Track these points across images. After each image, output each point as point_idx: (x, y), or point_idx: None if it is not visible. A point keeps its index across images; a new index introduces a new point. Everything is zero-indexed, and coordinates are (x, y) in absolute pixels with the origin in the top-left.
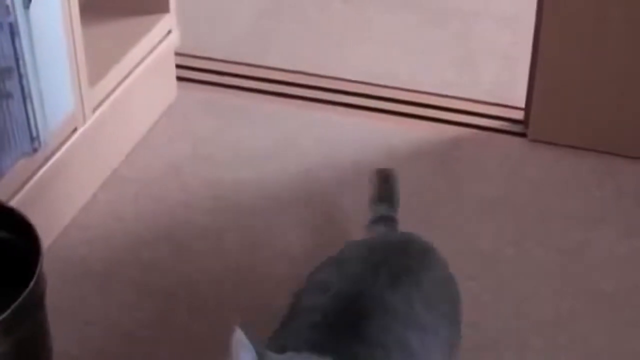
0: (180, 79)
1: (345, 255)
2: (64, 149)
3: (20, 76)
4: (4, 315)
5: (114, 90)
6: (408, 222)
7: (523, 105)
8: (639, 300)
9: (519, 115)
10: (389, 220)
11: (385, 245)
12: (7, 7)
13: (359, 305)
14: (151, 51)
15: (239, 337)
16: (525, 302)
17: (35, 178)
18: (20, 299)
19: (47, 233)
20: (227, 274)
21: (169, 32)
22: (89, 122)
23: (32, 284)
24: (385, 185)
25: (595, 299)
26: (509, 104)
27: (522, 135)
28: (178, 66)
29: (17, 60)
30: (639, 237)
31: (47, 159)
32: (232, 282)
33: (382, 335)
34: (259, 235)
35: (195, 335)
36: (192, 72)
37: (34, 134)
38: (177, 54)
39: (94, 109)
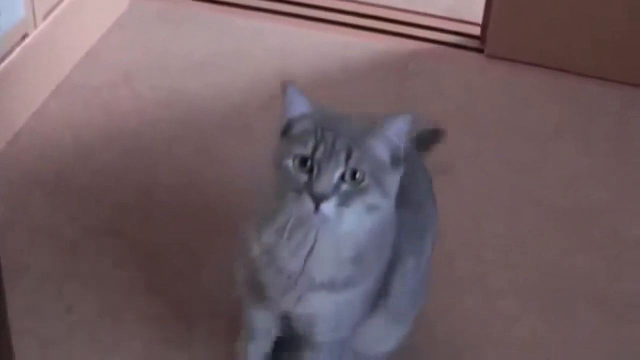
0: None
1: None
2: (14, 54)
3: None
4: None
5: None
6: None
7: (480, 21)
8: (594, 218)
9: (476, 31)
10: None
11: None
12: None
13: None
14: None
15: (294, 88)
16: (480, 216)
17: None
18: None
19: None
20: (180, 180)
21: None
22: (40, 28)
23: None
24: None
25: (551, 215)
26: (467, 19)
27: (480, 50)
28: None
29: None
30: (594, 154)
31: None
32: (184, 189)
33: None
34: (210, 143)
35: (145, 244)
36: None
37: None
38: None
39: (45, 15)
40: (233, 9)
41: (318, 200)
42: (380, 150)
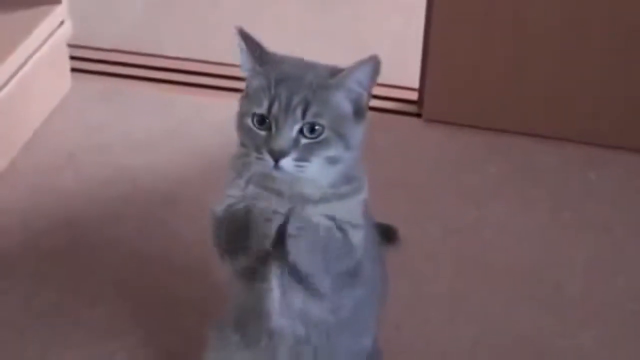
0: (73, 69)
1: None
2: None
3: None
4: None
5: (6, 83)
6: None
7: (417, 86)
8: (533, 275)
9: (413, 95)
10: None
11: None
12: None
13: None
14: (43, 43)
15: (245, 33)
16: (422, 280)
17: None
18: None
19: None
20: (126, 261)
21: (61, 23)
22: None
23: None
24: None
25: (493, 274)
26: (403, 85)
27: (417, 115)
28: (71, 57)
29: None
30: (532, 212)
31: None
32: (131, 269)
33: None
34: (156, 222)
35: (89, 324)
36: (85, 62)
37: None
38: (70, 45)
39: None
40: (174, 86)
41: (277, 156)
42: (341, 101)
